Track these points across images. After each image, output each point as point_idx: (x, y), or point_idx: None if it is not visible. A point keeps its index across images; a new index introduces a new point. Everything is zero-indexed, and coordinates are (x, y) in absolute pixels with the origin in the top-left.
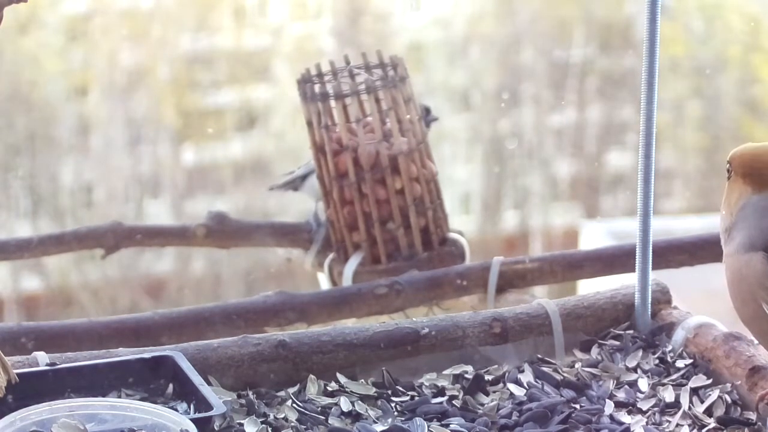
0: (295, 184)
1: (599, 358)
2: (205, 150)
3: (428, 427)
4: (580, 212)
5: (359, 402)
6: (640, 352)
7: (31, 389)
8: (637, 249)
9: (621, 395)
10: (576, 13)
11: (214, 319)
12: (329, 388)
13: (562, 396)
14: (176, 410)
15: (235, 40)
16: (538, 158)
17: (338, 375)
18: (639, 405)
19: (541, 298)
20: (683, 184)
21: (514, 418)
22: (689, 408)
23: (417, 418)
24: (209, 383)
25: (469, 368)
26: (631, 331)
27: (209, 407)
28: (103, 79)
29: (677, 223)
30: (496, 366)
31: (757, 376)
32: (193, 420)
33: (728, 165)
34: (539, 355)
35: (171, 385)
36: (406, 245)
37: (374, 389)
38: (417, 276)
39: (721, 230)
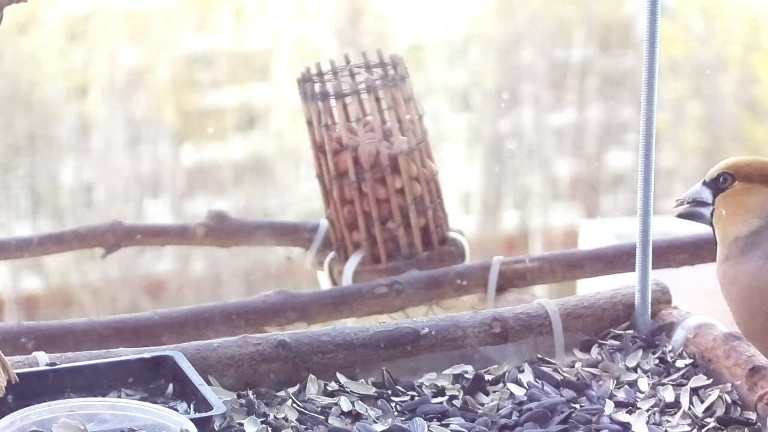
0: None
1: (599, 358)
2: (205, 150)
3: (428, 427)
4: (580, 212)
5: (359, 402)
6: (640, 352)
7: (31, 389)
8: (637, 249)
9: (621, 395)
10: (576, 13)
11: (214, 319)
12: (329, 388)
13: (562, 396)
14: (176, 410)
15: (235, 40)
16: (538, 158)
17: (338, 375)
18: (639, 405)
19: (541, 297)
20: (683, 184)
21: (514, 417)
22: (689, 408)
23: (417, 418)
24: (209, 383)
25: (469, 368)
26: (631, 331)
27: (209, 407)
28: (103, 79)
29: (677, 223)
30: (496, 366)
31: (757, 376)
32: (193, 420)
33: (727, 175)
34: (539, 355)
35: (171, 385)
36: (406, 244)
37: (374, 389)
38: (417, 275)
39: (730, 238)
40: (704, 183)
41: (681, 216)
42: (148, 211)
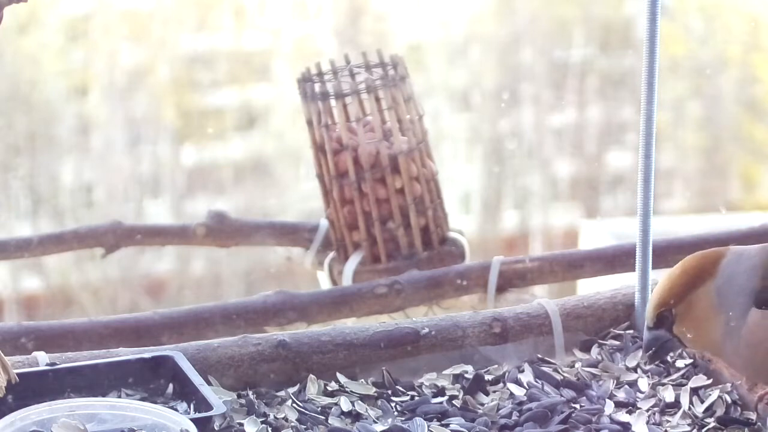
0: None
1: (599, 358)
2: (205, 150)
3: (428, 427)
4: (580, 212)
5: (359, 402)
6: (640, 352)
7: (31, 389)
8: (637, 249)
9: (621, 395)
10: (576, 13)
11: (214, 319)
12: (329, 388)
13: (562, 396)
14: (176, 410)
15: (235, 40)
16: (538, 158)
17: (338, 375)
18: (639, 405)
19: (541, 297)
20: (683, 184)
21: (514, 418)
22: (689, 408)
23: (417, 418)
24: (209, 383)
25: (469, 368)
26: (631, 331)
27: (209, 407)
28: (103, 79)
29: (677, 223)
30: (496, 366)
31: None
32: (193, 420)
33: (665, 313)
34: (539, 355)
35: (171, 385)
36: (406, 244)
37: (374, 389)
38: (417, 275)
39: (712, 346)
40: (650, 329)
41: (654, 358)
42: (148, 211)
